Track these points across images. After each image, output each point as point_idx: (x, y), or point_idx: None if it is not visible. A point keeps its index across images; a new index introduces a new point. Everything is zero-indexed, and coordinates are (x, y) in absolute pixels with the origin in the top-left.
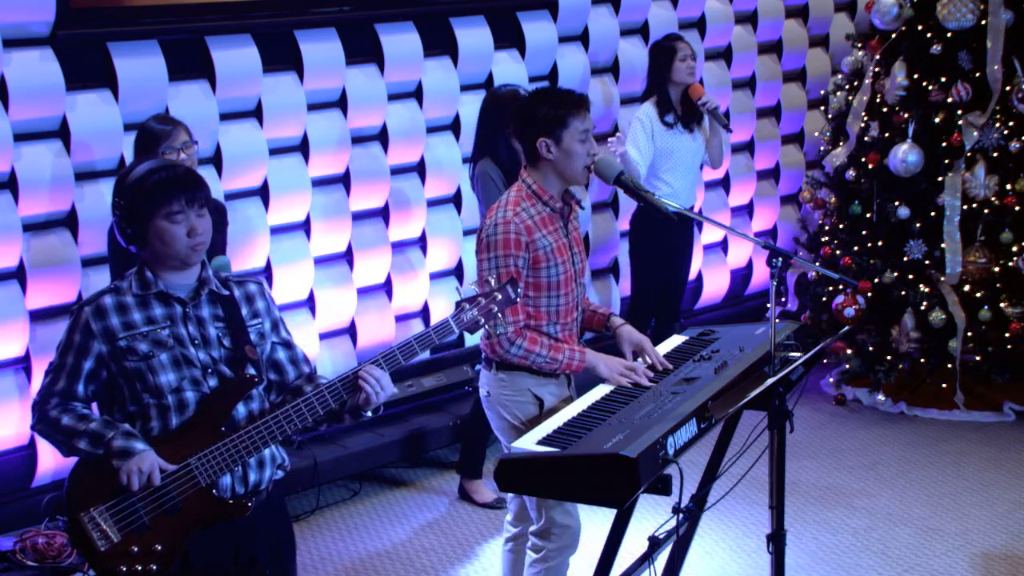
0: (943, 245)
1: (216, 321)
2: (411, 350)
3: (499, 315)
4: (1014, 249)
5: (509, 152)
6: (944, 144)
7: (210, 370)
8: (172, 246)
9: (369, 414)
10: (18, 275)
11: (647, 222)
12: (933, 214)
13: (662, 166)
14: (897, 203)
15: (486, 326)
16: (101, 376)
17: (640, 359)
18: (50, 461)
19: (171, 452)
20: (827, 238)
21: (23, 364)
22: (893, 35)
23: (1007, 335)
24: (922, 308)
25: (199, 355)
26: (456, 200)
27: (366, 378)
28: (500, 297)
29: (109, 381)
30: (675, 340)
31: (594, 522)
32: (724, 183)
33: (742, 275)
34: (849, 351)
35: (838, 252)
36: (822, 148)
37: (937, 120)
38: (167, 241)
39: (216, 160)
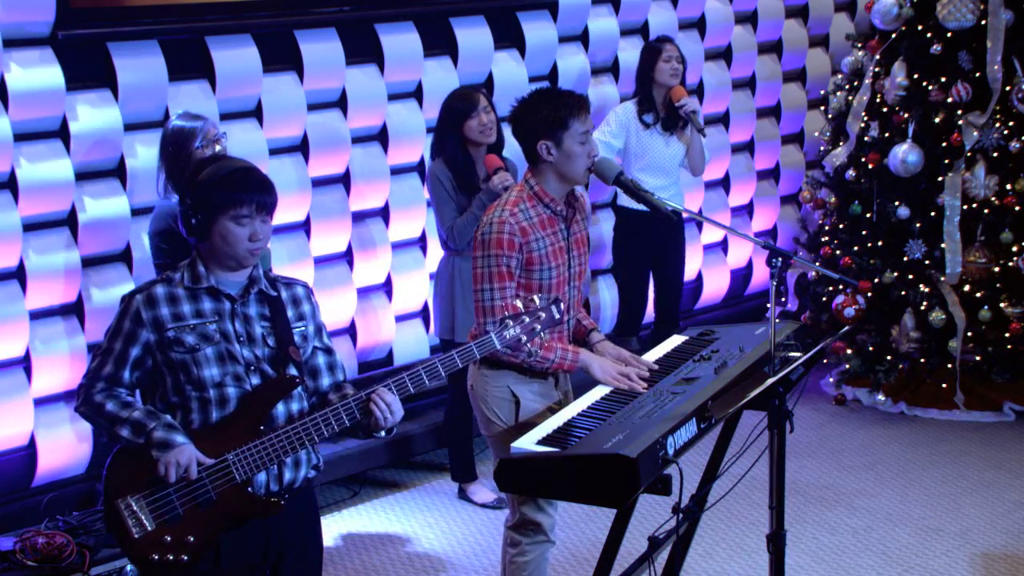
0: (943, 245)
1: (262, 320)
2: (452, 363)
3: (542, 334)
4: (1014, 249)
5: (463, 156)
6: (944, 144)
7: (253, 368)
8: (233, 247)
9: (382, 435)
10: (18, 275)
11: (627, 224)
12: (933, 214)
13: (635, 164)
14: (897, 203)
15: (527, 344)
16: (146, 364)
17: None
18: (50, 461)
19: (209, 446)
20: (827, 238)
21: (23, 364)
22: (893, 35)
23: (1007, 335)
24: (922, 308)
25: (243, 352)
26: None
27: (377, 402)
28: (544, 316)
29: (153, 369)
30: (675, 340)
31: (594, 522)
32: (724, 183)
33: (742, 275)
34: (849, 351)
35: (838, 252)
36: (822, 148)
37: (937, 120)
38: (229, 241)
39: None
